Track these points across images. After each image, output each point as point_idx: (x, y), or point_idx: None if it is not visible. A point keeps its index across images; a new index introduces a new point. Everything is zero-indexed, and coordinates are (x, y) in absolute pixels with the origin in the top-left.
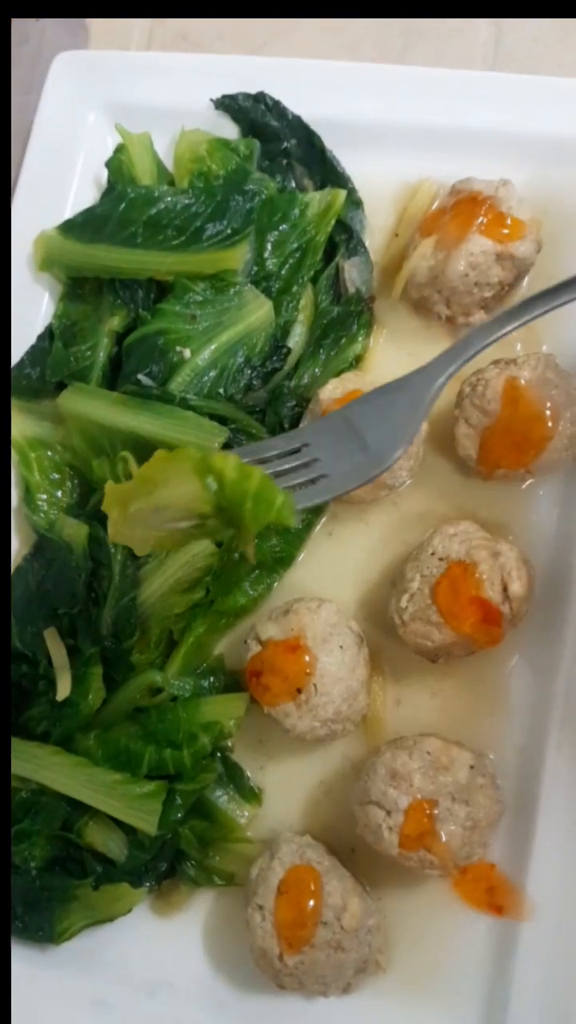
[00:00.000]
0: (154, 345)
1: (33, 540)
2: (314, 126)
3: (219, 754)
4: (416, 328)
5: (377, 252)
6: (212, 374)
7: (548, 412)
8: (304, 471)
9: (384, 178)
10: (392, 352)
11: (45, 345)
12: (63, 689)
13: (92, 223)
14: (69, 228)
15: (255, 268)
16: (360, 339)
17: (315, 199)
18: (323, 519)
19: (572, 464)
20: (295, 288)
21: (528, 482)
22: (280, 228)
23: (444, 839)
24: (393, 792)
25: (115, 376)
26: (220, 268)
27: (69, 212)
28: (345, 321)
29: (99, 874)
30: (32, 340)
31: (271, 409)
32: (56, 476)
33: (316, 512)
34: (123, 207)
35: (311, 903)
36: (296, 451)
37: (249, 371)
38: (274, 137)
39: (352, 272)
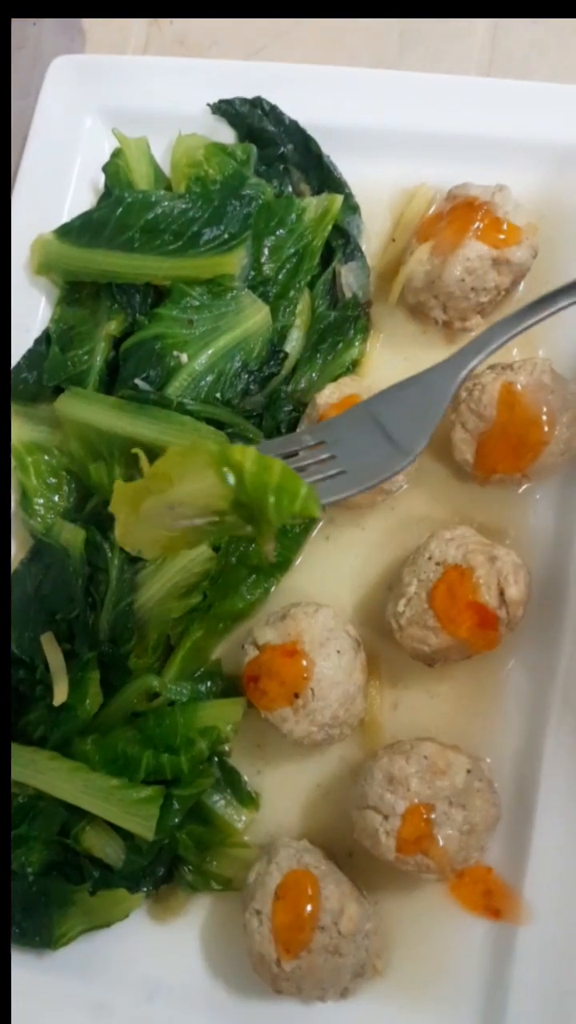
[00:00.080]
0: (151, 350)
1: (30, 545)
2: (311, 131)
3: (216, 759)
4: (413, 333)
5: (374, 257)
6: (209, 379)
7: (544, 417)
8: (331, 463)
9: (381, 183)
10: (389, 357)
11: (42, 349)
12: (60, 694)
13: (89, 227)
14: (66, 232)
15: (252, 273)
16: (357, 344)
17: (312, 204)
18: (320, 523)
19: (568, 468)
20: (292, 293)
21: (524, 486)
22: (277, 233)
23: (441, 843)
24: (390, 796)
25: (112, 381)
26: (217, 273)
27: (66, 216)
28: (342, 326)
29: (96, 879)
30: (29, 344)
31: (268, 414)
32: (53, 480)
33: None
34: (120, 212)
35: (308, 908)
36: (319, 445)
37: (246, 376)
38: (271, 142)
39: (349, 277)
